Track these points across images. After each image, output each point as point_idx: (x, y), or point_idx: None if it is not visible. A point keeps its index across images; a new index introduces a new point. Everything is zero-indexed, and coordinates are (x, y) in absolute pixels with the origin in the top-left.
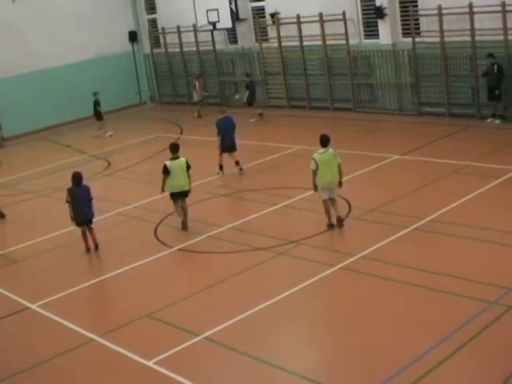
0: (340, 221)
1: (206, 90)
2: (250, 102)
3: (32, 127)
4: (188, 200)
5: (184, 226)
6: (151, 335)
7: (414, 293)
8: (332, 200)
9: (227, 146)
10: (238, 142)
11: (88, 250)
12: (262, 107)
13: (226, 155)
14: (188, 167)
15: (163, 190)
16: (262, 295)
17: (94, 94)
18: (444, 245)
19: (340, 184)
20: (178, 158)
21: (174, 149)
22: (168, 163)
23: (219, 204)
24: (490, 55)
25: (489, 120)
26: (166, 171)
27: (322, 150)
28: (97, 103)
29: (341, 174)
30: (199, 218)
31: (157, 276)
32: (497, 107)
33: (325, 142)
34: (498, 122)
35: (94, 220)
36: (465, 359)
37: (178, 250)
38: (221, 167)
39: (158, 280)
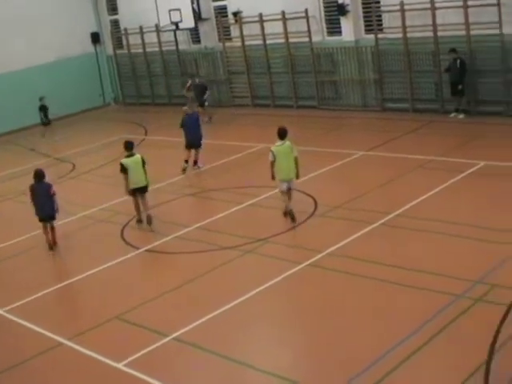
0: (289, 214)
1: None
2: (200, 104)
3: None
4: (154, 200)
5: (148, 220)
6: (120, 337)
7: (381, 288)
8: (289, 190)
9: (189, 142)
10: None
11: (50, 247)
12: (210, 113)
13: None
14: (143, 163)
15: (127, 191)
16: (230, 294)
17: (41, 99)
18: (410, 239)
19: (297, 176)
20: (133, 154)
21: (129, 146)
22: (123, 161)
23: (185, 204)
24: (453, 50)
25: (452, 115)
26: (123, 169)
27: (279, 142)
28: (44, 108)
29: (297, 167)
30: (166, 219)
31: (124, 278)
32: (460, 102)
33: (282, 134)
34: (461, 116)
35: (56, 217)
36: (433, 352)
37: (146, 251)
38: (186, 161)
39: (126, 282)
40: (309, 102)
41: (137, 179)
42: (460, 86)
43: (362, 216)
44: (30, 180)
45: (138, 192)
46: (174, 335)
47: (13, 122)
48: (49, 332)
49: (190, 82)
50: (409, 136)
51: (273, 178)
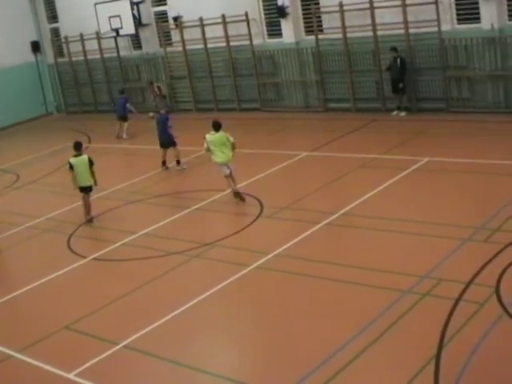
0: (237, 194)
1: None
2: (121, 117)
3: None
4: (100, 208)
5: (88, 219)
6: (70, 347)
7: (329, 287)
8: (230, 173)
9: (160, 141)
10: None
11: None
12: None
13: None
14: (91, 164)
15: (75, 185)
16: (179, 299)
17: None
18: (357, 238)
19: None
20: (80, 155)
21: (77, 146)
22: (71, 160)
23: (132, 210)
24: (393, 49)
25: (394, 113)
26: (71, 167)
27: (213, 132)
28: None
29: (233, 150)
30: (112, 226)
31: (72, 287)
32: (402, 100)
33: (216, 126)
34: (403, 114)
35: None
36: (382, 350)
37: (93, 259)
38: (163, 163)
39: (74, 291)
40: (252, 104)
41: (82, 178)
42: (401, 85)
43: (308, 216)
44: None
45: (85, 190)
46: (124, 343)
47: None
48: None
49: (154, 86)
50: (352, 135)
51: (207, 150)
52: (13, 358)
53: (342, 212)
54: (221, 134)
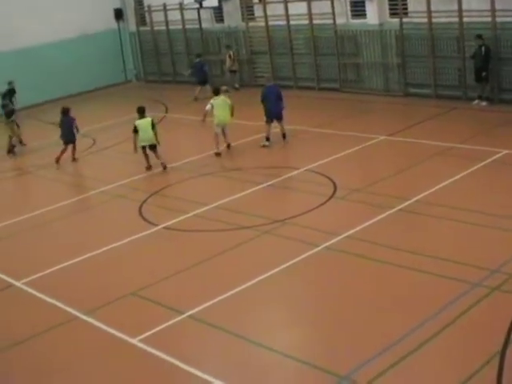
0: (228, 146)
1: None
2: (200, 82)
3: (15, 105)
4: (173, 178)
5: (163, 167)
6: (136, 313)
7: (398, 273)
8: (224, 133)
9: (270, 113)
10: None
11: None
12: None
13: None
14: (153, 125)
15: (135, 148)
16: (246, 274)
17: (9, 83)
18: (428, 226)
19: (231, 115)
20: (144, 117)
21: (140, 110)
22: (136, 122)
23: (205, 183)
24: (479, 36)
25: (475, 102)
26: (135, 130)
27: (215, 97)
28: (12, 92)
29: (232, 112)
30: (184, 197)
31: (142, 254)
32: (484, 89)
33: (216, 91)
34: (484, 103)
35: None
36: (447, 341)
37: (164, 228)
38: (267, 138)
39: (143, 258)
40: (331, 84)
41: (146, 138)
42: (484, 73)
43: (381, 200)
44: (49, 154)
45: (149, 149)
46: (189, 313)
47: (34, 96)
48: (64, 305)
49: (230, 52)
50: (430, 122)
51: (203, 119)
52: (78, 319)
53: (415, 199)
54: (222, 98)
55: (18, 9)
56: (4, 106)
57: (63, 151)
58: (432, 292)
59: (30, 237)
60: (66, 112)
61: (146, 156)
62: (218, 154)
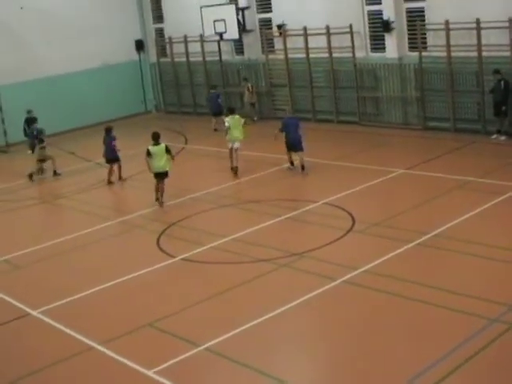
0: (236, 171)
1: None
2: (215, 113)
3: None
4: (192, 209)
5: (160, 204)
6: (152, 344)
7: (416, 307)
8: (235, 149)
9: (289, 143)
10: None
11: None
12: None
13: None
14: (168, 151)
15: (150, 170)
16: (263, 307)
17: (29, 112)
18: (447, 260)
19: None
20: (158, 144)
21: (155, 137)
22: (150, 147)
23: (223, 214)
24: (497, 71)
25: (494, 136)
26: (148, 154)
27: (231, 115)
28: (31, 120)
29: (244, 130)
30: (203, 228)
31: (158, 285)
32: (503, 123)
33: (232, 110)
34: (503, 138)
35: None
36: (464, 377)
37: (181, 259)
38: (291, 163)
39: (160, 289)
40: (350, 117)
41: (158, 165)
42: (504, 108)
43: (399, 234)
44: (67, 183)
45: (159, 177)
46: (206, 345)
47: (56, 125)
48: (80, 335)
49: (248, 85)
50: (449, 156)
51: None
52: (94, 349)
53: (433, 233)
54: (237, 117)
55: (42, 38)
56: (39, 132)
57: (110, 171)
58: (450, 327)
59: (47, 266)
60: (108, 131)
61: (157, 188)
62: (232, 169)
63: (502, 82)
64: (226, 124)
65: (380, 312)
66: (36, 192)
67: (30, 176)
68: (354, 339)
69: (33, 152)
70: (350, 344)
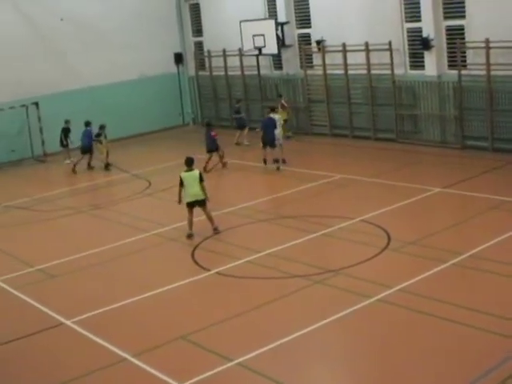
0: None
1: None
2: (239, 126)
3: (75, 144)
4: (227, 223)
5: (215, 232)
6: (184, 358)
7: (450, 328)
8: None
9: (265, 140)
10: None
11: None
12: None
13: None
14: (201, 179)
15: (180, 201)
16: (297, 323)
17: (66, 122)
18: (482, 281)
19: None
20: (191, 170)
21: (189, 162)
22: (182, 174)
23: (258, 229)
24: None
25: None
26: (181, 182)
27: (273, 112)
28: (67, 130)
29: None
30: (238, 243)
31: (193, 298)
32: None
33: (272, 108)
34: None
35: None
36: None
37: (216, 273)
38: (264, 161)
39: (194, 302)
40: (387, 134)
41: (192, 192)
42: None
43: (435, 254)
44: (105, 193)
45: (197, 205)
46: (238, 360)
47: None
48: (113, 346)
49: (282, 101)
50: (487, 175)
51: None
52: (126, 361)
53: (469, 253)
54: (278, 116)
55: (81, 50)
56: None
57: (207, 160)
58: (485, 348)
59: (82, 276)
60: (208, 124)
61: (191, 218)
62: (276, 160)
63: None
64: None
65: (414, 331)
66: (73, 202)
67: (107, 166)
68: (388, 358)
69: (91, 153)
70: (383, 363)
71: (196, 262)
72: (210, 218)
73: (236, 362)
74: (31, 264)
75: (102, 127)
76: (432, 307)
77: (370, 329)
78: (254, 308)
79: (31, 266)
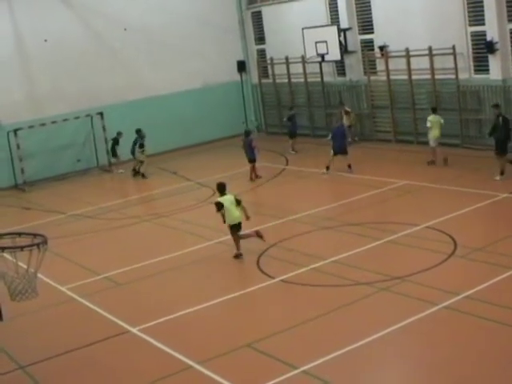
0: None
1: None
2: (291, 134)
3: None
4: (292, 231)
5: (237, 255)
6: (250, 365)
7: None
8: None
9: (336, 149)
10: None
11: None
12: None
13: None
14: (238, 202)
15: (224, 221)
16: (362, 331)
17: (118, 134)
18: None
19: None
20: (225, 195)
21: (221, 188)
22: (220, 199)
23: (323, 236)
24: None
25: None
26: (221, 206)
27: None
28: (116, 141)
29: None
30: (303, 250)
31: (257, 306)
32: None
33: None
34: None
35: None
36: None
37: (281, 280)
38: (327, 168)
39: (259, 310)
40: (452, 140)
41: (235, 216)
42: None
43: (502, 260)
44: (169, 202)
45: (235, 228)
46: (303, 368)
47: (158, 144)
48: (179, 354)
49: (345, 108)
50: None
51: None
52: (192, 368)
53: None
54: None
55: (145, 59)
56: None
57: (251, 169)
58: None
59: (147, 284)
60: (247, 134)
61: (236, 239)
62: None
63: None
64: (428, 124)
65: (482, 339)
66: (137, 211)
67: (139, 173)
68: (453, 366)
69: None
70: (449, 371)
71: (261, 270)
72: (238, 241)
73: (301, 369)
74: (98, 272)
75: (138, 132)
76: (500, 314)
77: (437, 336)
78: (319, 316)
79: (98, 274)
